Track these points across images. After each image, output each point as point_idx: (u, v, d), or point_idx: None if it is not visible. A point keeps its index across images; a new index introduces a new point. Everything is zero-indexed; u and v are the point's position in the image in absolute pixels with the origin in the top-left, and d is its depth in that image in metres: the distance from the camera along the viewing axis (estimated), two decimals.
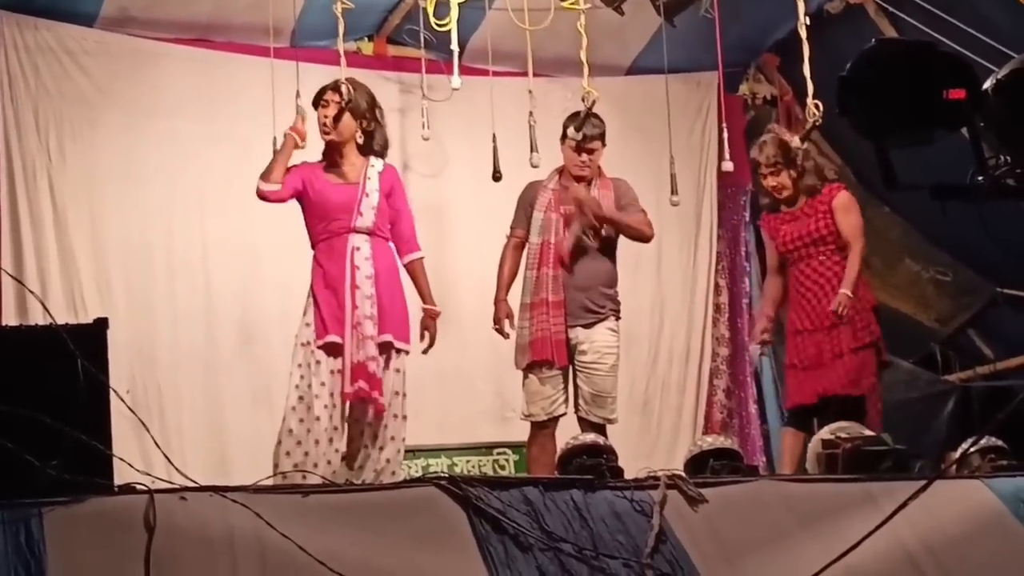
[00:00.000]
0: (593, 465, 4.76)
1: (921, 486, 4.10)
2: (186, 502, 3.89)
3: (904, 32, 6.93)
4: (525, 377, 6.25)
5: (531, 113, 6.16)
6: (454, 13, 6.14)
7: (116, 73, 7.15)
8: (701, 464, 5.25)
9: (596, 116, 6.26)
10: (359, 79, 6.07)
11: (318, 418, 5.59)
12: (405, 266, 5.93)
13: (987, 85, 3.15)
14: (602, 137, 6.29)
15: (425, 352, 5.97)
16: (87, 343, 3.95)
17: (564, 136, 6.28)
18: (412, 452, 6.58)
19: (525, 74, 6.36)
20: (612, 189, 6.32)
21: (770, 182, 6.43)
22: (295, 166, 5.84)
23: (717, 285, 8.24)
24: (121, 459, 3.96)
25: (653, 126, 7.30)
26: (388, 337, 5.73)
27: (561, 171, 6.36)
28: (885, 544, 4.20)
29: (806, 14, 6.31)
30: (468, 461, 7.32)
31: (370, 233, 5.79)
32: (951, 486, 4.74)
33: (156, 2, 7.11)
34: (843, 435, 5.25)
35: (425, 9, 6.36)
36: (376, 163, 5.90)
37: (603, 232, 6.23)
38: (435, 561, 4.02)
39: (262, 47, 6.69)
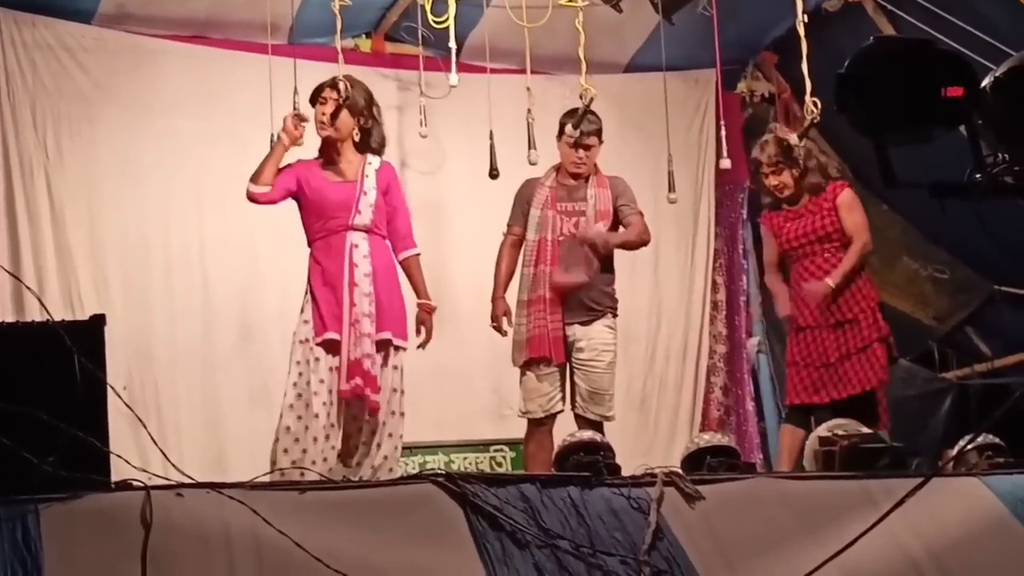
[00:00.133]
0: (590, 462, 4.76)
1: (918, 483, 4.09)
2: (183, 499, 3.88)
3: (902, 30, 6.93)
4: (522, 374, 6.24)
5: (529, 110, 6.16)
6: (452, 10, 6.14)
7: (114, 70, 7.15)
8: (698, 461, 5.25)
9: (592, 113, 6.26)
10: (357, 76, 6.05)
11: (316, 415, 5.59)
12: (401, 262, 5.92)
13: (985, 83, 3.15)
14: (598, 133, 6.29)
15: (421, 347, 5.95)
16: (84, 340, 3.94)
17: (561, 133, 6.28)
18: (409, 449, 6.59)
19: (523, 71, 6.36)
20: (609, 187, 6.31)
21: (772, 181, 6.43)
22: (289, 165, 5.83)
23: (715, 283, 8.25)
24: (118, 456, 3.95)
25: (651, 124, 7.30)
26: (387, 335, 5.73)
27: (558, 168, 6.36)
28: (882, 541, 4.20)
29: (804, 12, 6.30)
30: (465, 458, 7.33)
31: (368, 231, 5.78)
32: (948, 484, 4.73)
33: None
34: (840, 432, 5.25)
35: (423, 6, 6.37)
36: (373, 160, 5.89)
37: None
38: (432, 558, 4.01)
39: (260, 44, 6.69)
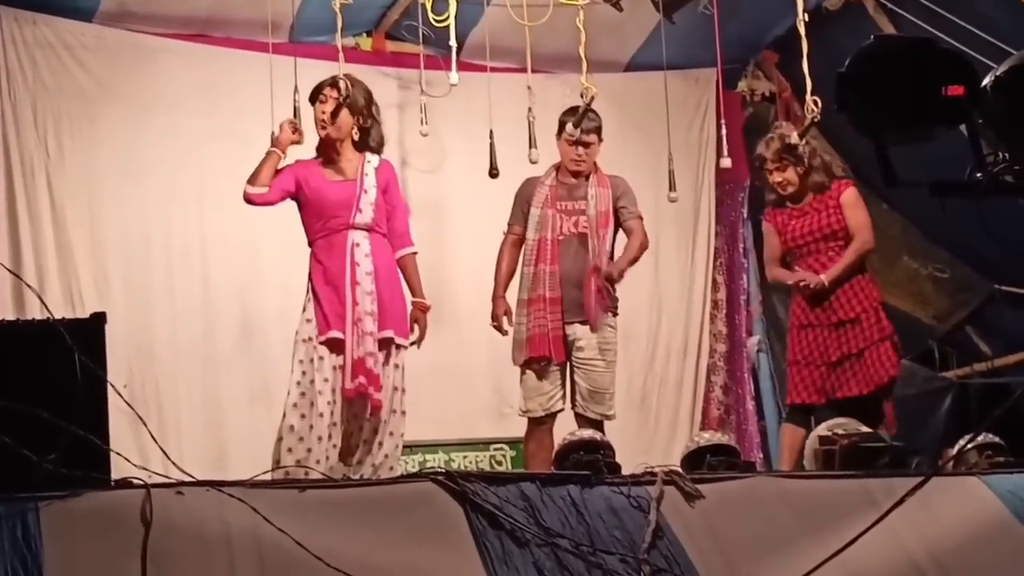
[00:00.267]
0: (590, 461, 4.76)
1: (918, 483, 4.09)
2: (183, 497, 3.88)
3: (903, 29, 6.92)
4: (523, 373, 6.25)
5: (530, 109, 6.16)
6: (453, 9, 6.14)
7: (115, 68, 7.15)
8: (698, 460, 5.25)
9: (592, 111, 6.26)
10: (357, 75, 6.06)
11: (321, 415, 5.59)
12: (397, 261, 5.91)
13: (986, 82, 3.15)
14: (598, 131, 6.30)
15: (414, 344, 5.92)
16: (85, 338, 3.94)
17: (560, 131, 6.28)
18: (409, 448, 6.58)
19: (523, 70, 6.36)
20: (610, 187, 6.31)
21: (776, 177, 6.42)
22: (288, 166, 5.83)
23: (715, 281, 8.25)
24: (118, 454, 3.95)
25: (651, 123, 7.31)
26: (389, 333, 5.73)
27: (558, 167, 6.37)
28: (882, 540, 4.19)
29: (805, 11, 6.30)
30: (465, 457, 7.32)
31: (369, 229, 5.78)
32: (948, 483, 4.73)
33: None
34: (840, 431, 5.25)
35: (424, 5, 6.37)
36: (372, 159, 5.89)
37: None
38: (432, 557, 4.01)
39: (261, 43, 6.68)
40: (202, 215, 7.22)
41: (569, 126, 6.23)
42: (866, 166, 6.10)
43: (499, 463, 7.35)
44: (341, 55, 5.90)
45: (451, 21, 6.16)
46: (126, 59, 7.18)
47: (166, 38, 7.29)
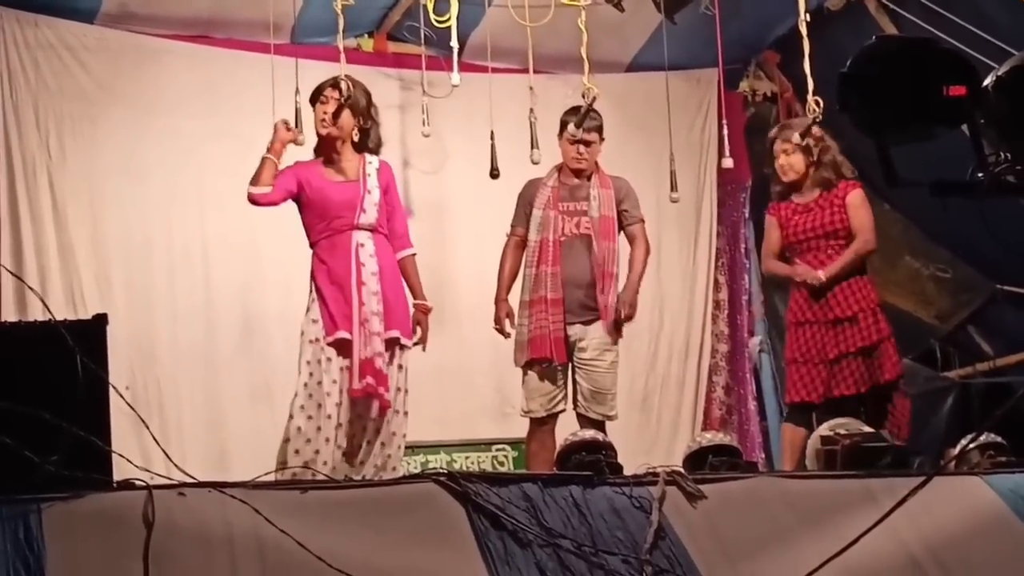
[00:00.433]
0: (592, 461, 4.76)
1: (920, 482, 4.10)
2: (185, 498, 3.89)
3: (904, 29, 6.92)
4: (524, 374, 6.25)
5: (531, 110, 6.16)
6: (454, 10, 6.14)
7: (117, 69, 7.15)
8: (700, 460, 5.25)
9: (594, 110, 6.27)
10: (359, 76, 6.07)
11: (329, 416, 5.58)
12: (398, 262, 5.92)
13: (987, 82, 3.14)
14: (599, 130, 6.30)
15: (417, 344, 5.93)
16: (86, 339, 3.95)
17: (562, 130, 6.29)
18: (411, 448, 6.58)
19: (525, 71, 6.36)
20: (612, 188, 6.32)
21: (782, 160, 6.38)
22: (288, 167, 5.83)
23: (717, 281, 8.25)
24: (120, 455, 3.96)
25: (653, 123, 7.30)
26: (395, 333, 5.73)
27: (560, 168, 6.37)
28: (884, 540, 4.20)
29: (806, 11, 6.30)
30: (467, 457, 7.32)
31: (372, 229, 5.79)
32: (950, 482, 4.74)
33: None
34: (842, 432, 5.25)
35: (425, 6, 6.36)
36: (372, 160, 5.90)
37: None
38: (434, 557, 4.02)
39: (262, 44, 6.68)
40: (203, 216, 7.22)
41: (571, 126, 6.24)
42: (867, 166, 6.09)
43: (501, 464, 7.35)
44: (343, 56, 5.90)
45: (452, 22, 6.16)
46: (128, 60, 7.18)
47: (168, 39, 7.29)
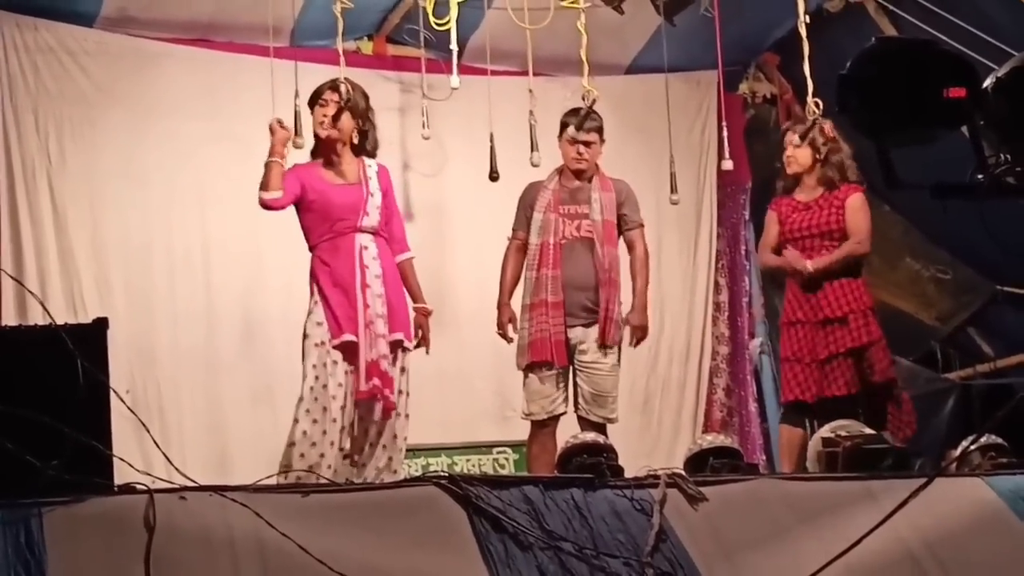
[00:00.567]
0: (593, 464, 4.76)
1: (921, 484, 4.11)
2: (186, 502, 3.89)
3: (904, 30, 6.93)
4: (525, 376, 6.25)
5: (531, 112, 6.16)
6: (453, 12, 6.15)
7: (116, 73, 7.15)
8: (701, 463, 5.25)
9: (593, 111, 6.27)
10: (359, 79, 6.07)
11: (334, 420, 5.58)
12: (396, 266, 5.92)
13: (987, 83, 3.15)
14: (599, 131, 6.30)
15: (418, 346, 5.93)
16: (87, 343, 3.95)
17: (562, 132, 6.29)
18: (412, 451, 6.57)
19: (524, 73, 6.37)
20: (613, 190, 6.32)
21: (789, 152, 6.39)
22: (289, 169, 5.82)
23: (717, 284, 8.24)
24: (121, 459, 3.96)
25: (653, 125, 7.30)
26: (399, 335, 5.74)
27: (561, 171, 6.37)
28: (885, 542, 4.20)
29: (806, 13, 6.31)
30: (468, 460, 7.32)
31: (375, 232, 5.79)
32: (951, 484, 4.74)
33: (155, 2, 7.10)
34: (843, 433, 5.25)
35: (425, 8, 6.37)
36: (371, 163, 5.90)
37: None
38: (435, 560, 4.02)
39: (262, 47, 6.68)
40: (203, 218, 7.21)
41: (571, 128, 6.24)
42: (867, 168, 6.09)
43: (502, 466, 7.35)
44: (342, 59, 5.91)
45: (452, 25, 6.17)
46: (127, 64, 7.18)
47: (167, 43, 7.28)
